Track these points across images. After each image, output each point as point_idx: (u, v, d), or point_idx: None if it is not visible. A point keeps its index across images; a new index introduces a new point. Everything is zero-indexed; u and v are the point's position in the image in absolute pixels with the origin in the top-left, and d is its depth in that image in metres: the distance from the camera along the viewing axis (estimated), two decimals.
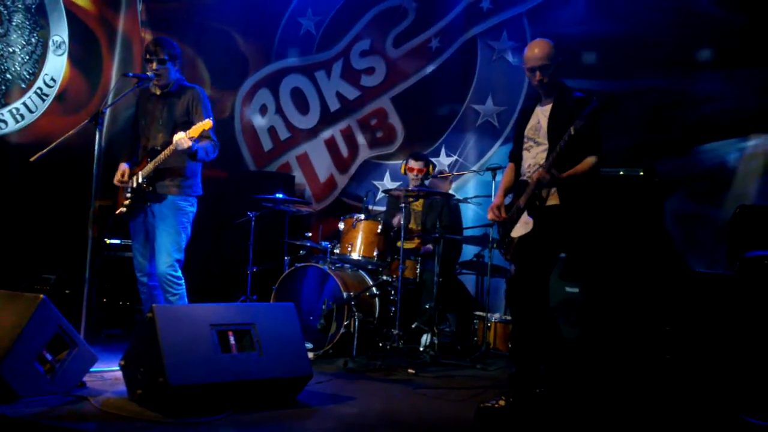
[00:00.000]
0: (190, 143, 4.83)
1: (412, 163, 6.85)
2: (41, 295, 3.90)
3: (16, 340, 3.71)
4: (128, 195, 5.10)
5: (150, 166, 5.00)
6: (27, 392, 3.76)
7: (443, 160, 7.88)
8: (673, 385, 5.11)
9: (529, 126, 4.28)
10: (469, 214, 7.48)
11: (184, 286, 5.06)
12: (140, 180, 5.05)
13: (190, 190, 5.17)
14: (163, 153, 4.94)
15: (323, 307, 6.02)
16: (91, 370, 4.24)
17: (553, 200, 4.08)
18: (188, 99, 5.17)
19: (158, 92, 5.20)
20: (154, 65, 5.09)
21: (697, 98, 6.57)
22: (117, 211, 5.17)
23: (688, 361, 5.34)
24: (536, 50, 4.15)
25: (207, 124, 4.88)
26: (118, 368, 4.08)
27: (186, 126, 5.04)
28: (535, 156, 4.20)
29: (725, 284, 5.33)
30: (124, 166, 5.18)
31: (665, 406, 4.50)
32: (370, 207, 6.81)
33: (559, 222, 4.06)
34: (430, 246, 6.59)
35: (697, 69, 6.61)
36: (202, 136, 4.94)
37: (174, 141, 4.84)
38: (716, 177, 6.45)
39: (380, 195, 8.06)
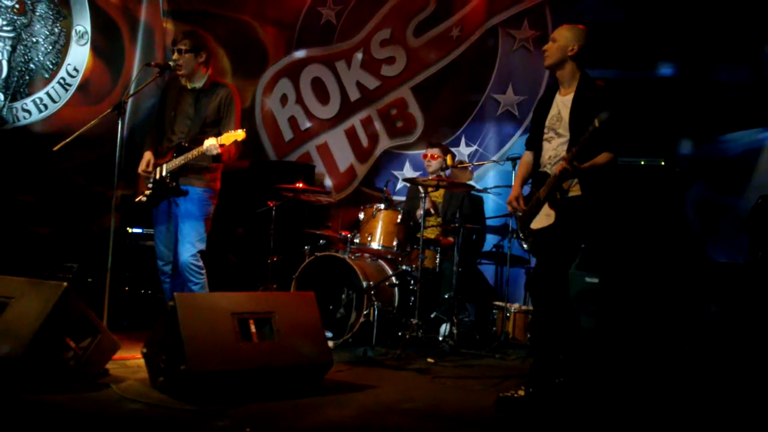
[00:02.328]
0: (219, 150, 4.87)
1: (427, 150, 6.87)
2: (64, 283, 3.94)
3: (39, 327, 3.75)
4: (150, 185, 5.14)
5: (176, 162, 5.02)
6: (51, 379, 3.80)
7: (463, 150, 7.87)
8: (692, 374, 5.09)
9: (549, 116, 4.24)
10: (489, 204, 7.47)
11: (205, 276, 5.11)
12: (164, 173, 5.08)
13: (213, 184, 5.20)
14: (191, 153, 4.96)
15: (343, 296, 6.05)
16: (114, 357, 4.29)
17: (575, 191, 4.06)
18: (220, 98, 5.18)
19: (189, 86, 5.22)
20: (175, 55, 5.13)
21: (720, 87, 6.52)
22: (136, 199, 5.21)
23: (708, 351, 5.32)
24: (555, 31, 4.27)
25: (240, 135, 4.91)
26: (140, 356, 4.12)
27: (215, 125, 5.08)
28: (556, 147, 4.16)
29: (746, 274, 5.31)
30: (149, 155, 5.22)
31: (685, 396, 4.49)
32: (391, 196, 6.82)
33: (581, 213, 4.04)
34: (450, 239, 6.59)
35: (719, 57, 6.56)
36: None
37: (204, 146, 4.88)
38: (738, 167, 6.40)
39: (400, 184, 8.06)
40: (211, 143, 4.87)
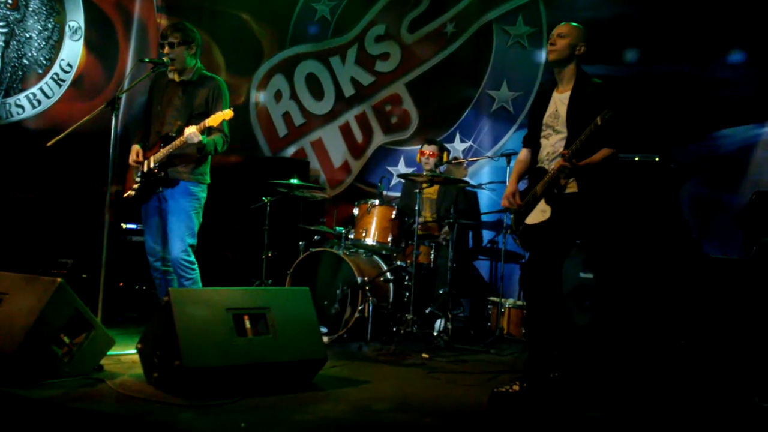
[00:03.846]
0: (200, 138, 4.84)
1: (424, 147, 6.88)
2: (59, 279, 3.93)
3: (34, 323, 3.75)
4: (138, 179, 5.12)
5: (163, 152, 5.00)
6: (45, 375, 3.80)
7: (458, 146, 7.87)
8: (687, 370, 5.11)
9: (547, 113, 4.24)
10: (483, 200, 7.48)
11: (197, 271, 5.09)
12: (152, 165, 5.06)
13: (201, 177, 5.17)
14: (177, 141, 4.93)
15: (338, 291, 6.05)
16: (109, 353, 4.27)
17: (571, 188, 4.06)
18: (208, 90, 5.14)
19: (177, 79, 5.19)
20: (166, 49, 5.08)
21: (714, 84, 6.53)
22: (125, 194, 5.20)
23: (702, 347, 5.33)
24: (562, 27, 4.19)
25: (227, 114, 4.87)
26: (134, 351, 4.11)
27: (202, 117, 5.04)
28: (553, 144, 4.16)
29: (740, 270, 5.32)
30: (137, 147, 5.19)
31: (679, 391, 4.50)
32: (385, 192, 6.82)
33: (577, 210, 4.04)
34: (446, 231, 6.59)
35: (714, 54, 6.57)
36: (216, 129, 4.95)
37: (185, 134, 4.85)
38: (732, 163, 6.41)
39: (395, 180, 8.06)
40: (191, 131, 4.83)
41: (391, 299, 6.15)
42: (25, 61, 7.26)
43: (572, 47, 4.13)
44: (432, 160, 6.81)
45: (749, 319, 5.14)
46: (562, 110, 4.13)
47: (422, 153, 6.89)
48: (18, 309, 3.86)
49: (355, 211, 6.38)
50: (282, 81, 8.82)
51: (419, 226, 6.06)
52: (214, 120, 4.85)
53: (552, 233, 4.07)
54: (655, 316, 5.59)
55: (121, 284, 6.79)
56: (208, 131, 4.94)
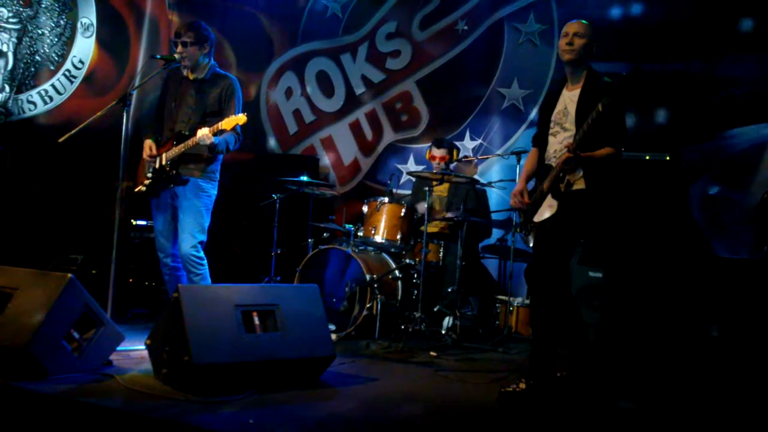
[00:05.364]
0: (212, 139, 4.85)
1: (435, 151, 6.81)
2: (69, 275, 3.95)
3: (44, 318, 3.77)
4: (149, 175, 5.13)
5: (175, 151, 5.01)
6: (55, 370, 3.82)
7: (468, 144, 7.86)
8: (696, 370, 5.09)
9: (555, 111, 4.22)
10: (492, 198, 7.46)
11: (206, 267, 5.10)
12: (164, 162, 5.07)
13: (213, 175, 5.19)
14: (190, 141, 4.94)
15: (346, 289, 6.05)
16: (118, 348, 4.30)
17: (579, 184, 4.05)
18: (221, 89, 5.15)
19: (191, 77, 5.20)
20: (179, 48, 5.10)
21: (724, 82, 6.50)
22: (135, 189, 5.22)
23: (711, 347, 5.32)
24: (575, 24, 4.16)
25: (241, 119, 4.88)
26: (144, 347, 4.13)
27: (215, 115, 5.06)
28: (561, 141, 4.15)
29: (751, 270, 5.30)
30: (150, 142, 5.20)
31: (688, 390, 4.48)
32: (394, 190, 6.81)
33: (584, 207, 4.03)
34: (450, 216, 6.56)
35: (723, 52, 6.54)
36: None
37: (197, 135, 4.86)
38: (743, 162, 6.38)
39: (404, 178, 8.06)
40: (203, 133, 4.84)
41: (399, 297, 6.15)
42: (37, 57, 7.29)
43: (588, 48, 4.12)
44: (443, 164, 6.77)
45: (758, 320, 5.12)
46: (572, 108, 4.11)
47: (433, 158, 6.81)
48: (29, 304, 3.89)
49: (365, 208, 6.38)
50: (293, 78, 8.84)
51: (428, 223, 6.06)
52: (227, 124, 4.86)
53: (558, 229, 4.06)
54: (664, 315, 5.58)
55: (130, 280, 6.81)
56: (220, 133, 4.95)
